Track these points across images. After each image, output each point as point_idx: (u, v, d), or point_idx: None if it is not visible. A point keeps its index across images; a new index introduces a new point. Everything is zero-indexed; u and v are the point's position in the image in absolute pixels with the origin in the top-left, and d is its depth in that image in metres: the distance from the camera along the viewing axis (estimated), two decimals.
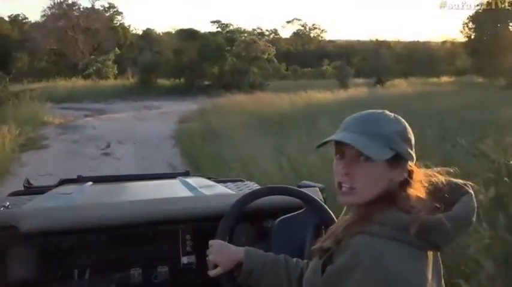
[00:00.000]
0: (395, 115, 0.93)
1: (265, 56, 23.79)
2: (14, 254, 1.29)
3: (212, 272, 1.16)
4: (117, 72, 26.67)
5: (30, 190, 2.25)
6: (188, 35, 23.12)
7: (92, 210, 1.46)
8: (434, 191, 0.91)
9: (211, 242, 1.20)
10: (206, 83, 23.83)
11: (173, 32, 28.10)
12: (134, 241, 1.42)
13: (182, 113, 14.08)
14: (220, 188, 2.01)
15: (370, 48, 35.63)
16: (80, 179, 2.24)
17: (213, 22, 23.74)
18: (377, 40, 36.16)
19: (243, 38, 23.52)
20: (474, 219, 0.89)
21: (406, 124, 0.93)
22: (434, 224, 0.84)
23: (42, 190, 2.07)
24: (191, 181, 2.13)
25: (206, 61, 22.88)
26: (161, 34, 38.07)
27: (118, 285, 1.36)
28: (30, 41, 31.84)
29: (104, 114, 14.58)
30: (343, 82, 25.11)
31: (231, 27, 23.77)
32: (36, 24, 33.89)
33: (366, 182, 0.89)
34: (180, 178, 2.26)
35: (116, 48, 26.79)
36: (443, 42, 32.58)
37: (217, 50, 22.98)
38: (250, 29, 24.65)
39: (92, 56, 27.37)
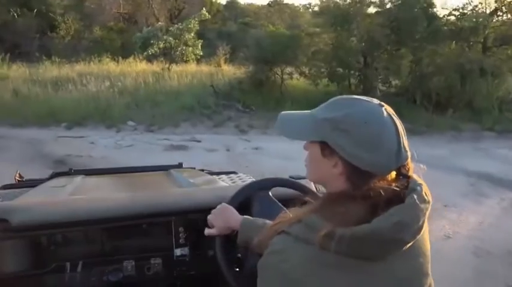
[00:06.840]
0: (356, 103, 0.82)
1: None
2: (5, 247, 1.27)
3: (206, 231, 1.18)
4: (201, 53, 14.51)
5: (22, 183, 2.21)
6: None
7: (83, 203, 1.45)
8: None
9: (219, 205, 1.20)
10: (392, 90, 10.81)
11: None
12: (127, 233, 1.39)
13: None
14: (214, 181, 2.00)
15: None
16: (72, 172, 2.23)
17: None
18: None
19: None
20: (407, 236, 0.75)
21: (358, 117, 0.80)
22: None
23: (34, 183, 2.04)
24: (184, 173, 2.14)
25: (402, 44, 9.92)
26: (246, 5, 31.55)
27: (111, 277, 1.33)
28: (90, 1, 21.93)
29: None
30: None
31: None
32: None
33: (309, 161, 0.91)
34: (173, 170, 2.26)
35: (204, 10, 13.88)
36: None
37: (423, 20, 9.90)
38: None
39: (159, 23, 15.08)
